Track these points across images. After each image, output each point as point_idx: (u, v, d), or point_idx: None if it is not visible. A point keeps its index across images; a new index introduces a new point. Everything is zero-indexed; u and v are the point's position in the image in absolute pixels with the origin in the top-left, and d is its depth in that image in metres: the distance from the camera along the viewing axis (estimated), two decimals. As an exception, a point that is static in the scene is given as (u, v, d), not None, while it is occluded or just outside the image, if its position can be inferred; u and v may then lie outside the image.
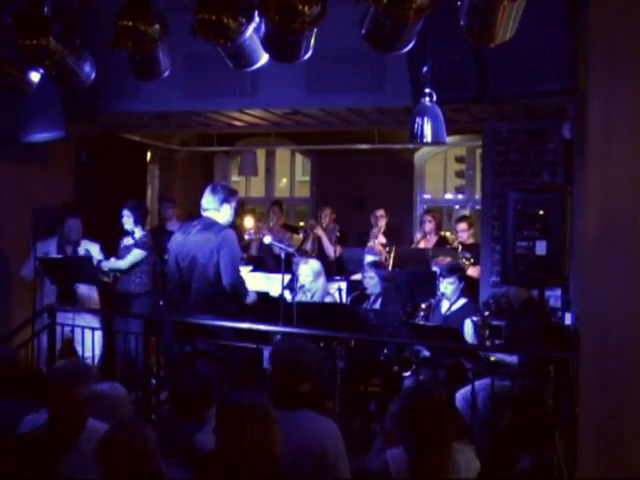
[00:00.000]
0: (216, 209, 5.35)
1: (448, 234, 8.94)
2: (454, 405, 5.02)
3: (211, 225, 5.31)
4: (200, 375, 4.56)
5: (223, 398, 3.16)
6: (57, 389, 3.25)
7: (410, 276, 6.47)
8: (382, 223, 8.29)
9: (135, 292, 6.74)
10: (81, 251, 6.64)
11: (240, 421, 2.87)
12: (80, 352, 5.95)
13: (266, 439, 2.87)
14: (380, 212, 8.33)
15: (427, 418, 3.05)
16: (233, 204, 5.44)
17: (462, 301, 5.87)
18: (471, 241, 7.70)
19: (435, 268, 6.46)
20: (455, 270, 6.03)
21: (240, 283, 5.33)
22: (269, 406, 2.98)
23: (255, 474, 2.81)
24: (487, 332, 5.37)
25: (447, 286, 5.84)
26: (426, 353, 5.55)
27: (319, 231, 8.29)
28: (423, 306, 6.05)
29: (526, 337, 5.04)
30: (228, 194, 5.42)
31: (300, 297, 6.00)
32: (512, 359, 5.11)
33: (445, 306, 5.91)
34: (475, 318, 5.44)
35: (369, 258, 6.87)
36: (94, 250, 6.68)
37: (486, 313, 5.52)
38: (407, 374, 5.50)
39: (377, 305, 6.18)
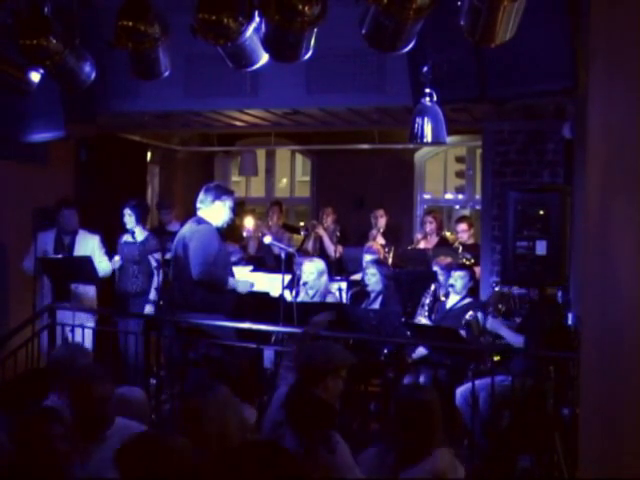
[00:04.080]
0: (208, 207, 5.39)
1: (448, 234, 8.93)
2: (451, 407, 5.02)
3: (196, 222, 5.39)
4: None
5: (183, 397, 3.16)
6: (79, 388, 3.33)
7: (410, 276, 6.47)
8: (382, 223, 8.28)
9: (133, 291, 6.73)
10: (79, 241, 6.63)
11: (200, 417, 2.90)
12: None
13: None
14: (380, 212, 8.32)
15: (416, 419, 3.07)
16: (227, 202, 5.44)
17: (466, 300, 5.87)
18: (471, 241, 7.70)
19: (436, 268, 6.46)
20: (466, 266, 6.07)
21: (209, 275, 5.23)
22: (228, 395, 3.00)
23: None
24: (503, 307, 5.34)
25: (458, 279, 5.84)
26: (423, 351, 5.55)
27: (320, 231, 8.28)
28: (427, 301, 6.04)
29: (542, 330, 4.99)
30: (220, 192, 5.46)
31: (302, 295, 6.04)
32: (517, 339, 5.07)
33: (452, 301, 5.91)
34: (469, 316, 5.41)
35: (368, 258, 6.87)
36: (93, 242, 6.68)
37: (505, 290, 5.48)
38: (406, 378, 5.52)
39: (377, 303, 6.18)
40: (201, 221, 5.38)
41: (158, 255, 6.72)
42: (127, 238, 6.77)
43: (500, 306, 5.35)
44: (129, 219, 6.69)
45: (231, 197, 5.54)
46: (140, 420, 3.67)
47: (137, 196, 7.86)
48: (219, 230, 5.45)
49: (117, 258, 6.68)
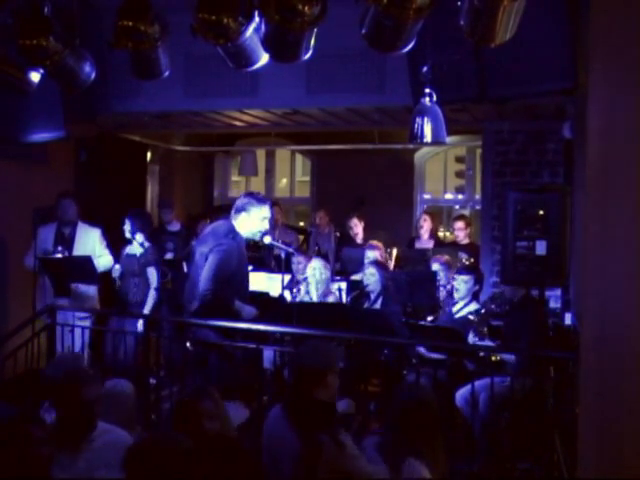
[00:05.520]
0: (241, 215, 5.27)
1: (448, 234, 8.93)
2: (451, 407, 5.03)
3: (222, 229, 5.28)
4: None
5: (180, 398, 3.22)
6: (67, 390, 3.29)
7: (410, 276, 6.47)
8: (359, 230, 8.21)
9: (133, 301, 6.71)
10: (80, 234, 6.62)
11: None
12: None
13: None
14: (354, 221, 8.22)
15: (416, 422, 3.10)
16: (255, 213, 5.26)
17: (473, 306, 5.83)
18: (466, 241, 7.69)
19: (435, 265, 6.45)
20: (472, 269, 6.02)
21: (212, 295, 5.07)
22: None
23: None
24: (485, 329, 5.34)
25: (461, 283, 5.77)
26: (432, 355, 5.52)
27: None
28: (430, 318, 6.02)
29: (523, 330, 5.02)
30: (247, 203, 5.28)
31: (302, 294, 6.05)
32: (509, 357, 5.10)
33: (457, 306, 5.87)
34: (471, 317, 5.40)
35: (370, 254, 6.87)
36: (94, 235, 6.67)
37: (482, 310, 5.50)
38: (406, 372, 5.51)
39: (378, 304, 6.18)
40: (230, 231, 5.25)
41: (156, 272, 6.65)
42: (128, 250, 6.76)
43: (484, 329, 5.33)
44: (126, 229, 6.66)
45: (259, 208, 5.30)
46: (129, 413, 3.71)
47: (137, 196, 7.88)
48: (247, 241, 5.38)
49: (117, 267, 6.66)
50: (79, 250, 6.58)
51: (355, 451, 3.11)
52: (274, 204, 8.97)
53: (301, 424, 3.19)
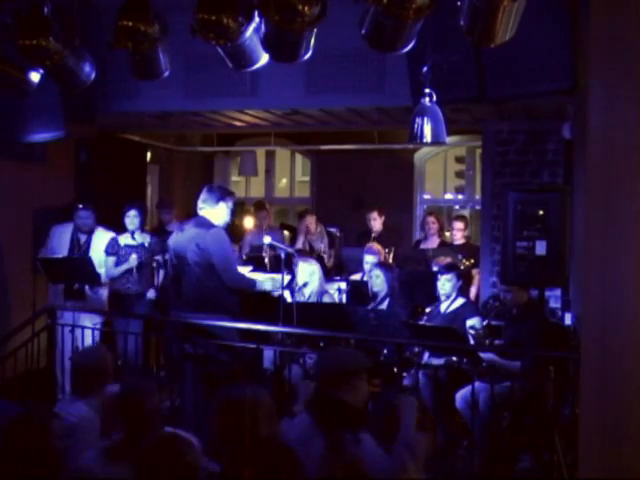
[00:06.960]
0: (212, 207, 5.39)
1: (447, 234, 8.94)
2: (451, 407, 5.02)
3: (202, 223, 5.38)
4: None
5: (222, 394, 3.17)
6: (131, 403, 3.32)
7: (410, 276, 6.46)
8: (377, 225, 8.19)
9: (133, 293, 6.71)
10: (95, 240, 6.64)
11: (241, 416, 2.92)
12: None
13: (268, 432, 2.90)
14: (373, 214, 8.20)
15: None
16: (229, 203, 5.48)
17: (461, 300, 5.85)
18: (462, 242, 7.70)
19: (436, 268, 6.45)
20: (452, 267, 6.04)
21: (239, 280, 5.37)
22: (269, 399, 3.02)
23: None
24: (487, 342, 5.35)
25: (445, 283, 5.82)
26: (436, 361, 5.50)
27: None
28: (428, 310, 6.03)
29: (526, 343, 5.02)
30: (224, 193, 5.50)
31: (297, 295, 6.05)
32: (513, 365, 5.09)
33: (444, 305, 5.90)
34: (472, 331, 5.39)
35: (369, 259, 6.87)
36: (108, 240, 6.68)
37: (484, 322, 5.50)
38: (406, 375, 5.51)
39: (384, 305, 6.17)
40: (207, 222, 5.37)
41: (159, 256, 6.70)
42: (127, 240, 6.72)
43: (487, 341, 5.34)
44: (134, 220, 6.65)
45: (233, 198, 5.57)
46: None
47: (137, 196, 7.87)
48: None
49: (134, 256, 6.60)
50: (93, 256, 6.58)
51: (369, 451, 3.07)
52: (260, 205, 8.90)
53: (326, 425, 3.17)
